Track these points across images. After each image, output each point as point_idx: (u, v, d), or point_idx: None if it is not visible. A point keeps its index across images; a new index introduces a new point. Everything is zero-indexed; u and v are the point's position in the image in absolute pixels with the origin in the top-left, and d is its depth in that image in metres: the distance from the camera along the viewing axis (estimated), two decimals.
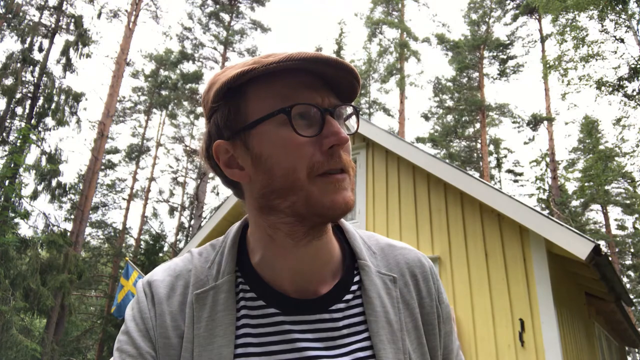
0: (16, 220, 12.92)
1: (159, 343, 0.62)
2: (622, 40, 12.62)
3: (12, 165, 12.05)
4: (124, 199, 22.25)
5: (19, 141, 13.05)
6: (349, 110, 0.66)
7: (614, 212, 35.65)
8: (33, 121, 14.85)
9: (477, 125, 24.57)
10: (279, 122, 0.60)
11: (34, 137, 13.72)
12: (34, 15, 16.40)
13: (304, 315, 0.63)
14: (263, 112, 0.61)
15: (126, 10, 19.71)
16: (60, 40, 23.78)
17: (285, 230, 0.62)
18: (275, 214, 0.62)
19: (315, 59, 0.59)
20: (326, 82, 0.63)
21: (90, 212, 18.13)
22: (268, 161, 0.60)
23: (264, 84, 0.62)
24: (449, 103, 25.70)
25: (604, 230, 25.75)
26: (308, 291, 0.65)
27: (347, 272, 0.68)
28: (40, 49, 15.72)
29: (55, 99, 15.45)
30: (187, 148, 23.61)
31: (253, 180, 0.63)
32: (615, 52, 12.74)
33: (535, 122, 23.12)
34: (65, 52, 16.02)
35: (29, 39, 15.42)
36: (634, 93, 12.35)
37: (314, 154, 0.59)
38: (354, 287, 0.67)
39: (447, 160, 10.71)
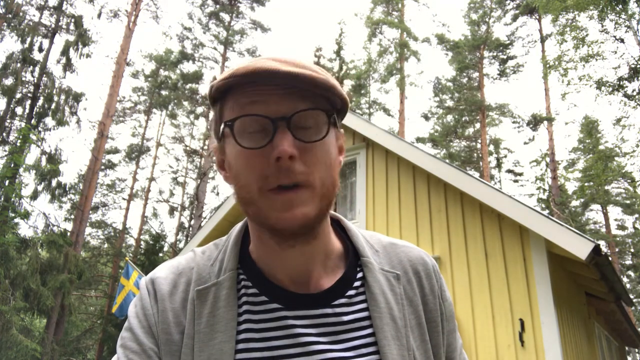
0: (16, 220, 12.89)
1: (161, 339, 0.62)
2: (622, 40, 12.62)
3: (12, 165, 12.04)
4: (124, 199, 22.23)
5: (19, 141, 13.05)
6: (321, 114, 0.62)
7: (614, 212, 35.70)
8: (33, 121, 14.83)
9: (477, 125, 24.56)
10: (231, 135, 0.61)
11: (34, 137, 13.70)
12: (34, 15, 16.42)
13: (307, 310, 0.64)
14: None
15: (126, 10, 19.72)
16: (60, 40, 23.72)
17: (267, 234, 0.64)
18: (252, 219, 0.65)
19: (254, 73, 0.58)
20: (297, 89, 0.60)
21: (90, 212, 18.12)
22: (233, 170, 0.63)
23: (231, 94, 0.62)
24: (449, 103, 25.68)
25: (604, 230, 25.76)
26: (309, 287, 0.65)
27: (350, 268, 0.68)
28: (40, 49, 15.70)
29: (55, 99, 15.44)
30: (187, 148, 23.61)
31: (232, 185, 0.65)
32: (615, 52, 12.74)
33: (535, 122, 23.12)
34: (65, 52, 16.01)
35: (29, 39, 15.40)
36: (634, 93, 12.34)
37: (265, 167, 0.58)
38: (356, 284, 0.67)
39: (447, 160, 10.71)
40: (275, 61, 0.60)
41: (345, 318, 0.64)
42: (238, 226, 0.73)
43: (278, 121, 0.59)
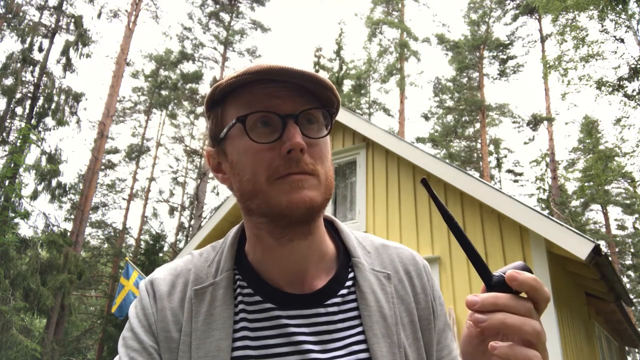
0: (16, 220, 12.87)
1: (160, 337, 0.64)
2: (622, 40, 12.61)
3: (12, 165, 12.03)
4: (124, 199, 22.23)
5: (19, 141, 13.04)
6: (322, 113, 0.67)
7: (614, 212, 35.73)
8: (33, 121, 14.82)
9: (477, 125, 24.56)
10: (241, 131, 0.63)
11: (34, 137, 13.69)
12: (34, 15, 16.41)
13: (300, 309, 0.65)
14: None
15: (126, 10, 19.71)
16: (60, 40, 23.72)
17: (266, 230, 0.65)
18: (253, 215, 0.66)
19: (268, 70, 0.61)
20: (301, 90, 0.65)
21: (90, 212, 18.12)
22: (237, 167, 0.65)
23: (236, 96, 0.65)
24: (449, 103, 25.69)
25: (604, 230, 25.74)
26: (303, 286, 0.67)
27: (341, 269, 0.70)
28: (40, 49, 15.69)
29: (55, 99, 15.42)
30: (187, 148, 23.60)
31: (232, 184, 0.68)
32: (615, 52, 12.74)
33: (535, 122, 23.13)
34: (65, 52, 15.99)
35: (29, 39, 15.39)
36: (634, 93, 12.34)
37: (274, 159, 0.61)
38: (348, 283, 0.69)
39: (447, 160, 10.70)
40: (283, 63, 0.63)
41: (337, 317, 0.66)
42: (235, 229, 0.75)
43: (287, 118, 0.62)
